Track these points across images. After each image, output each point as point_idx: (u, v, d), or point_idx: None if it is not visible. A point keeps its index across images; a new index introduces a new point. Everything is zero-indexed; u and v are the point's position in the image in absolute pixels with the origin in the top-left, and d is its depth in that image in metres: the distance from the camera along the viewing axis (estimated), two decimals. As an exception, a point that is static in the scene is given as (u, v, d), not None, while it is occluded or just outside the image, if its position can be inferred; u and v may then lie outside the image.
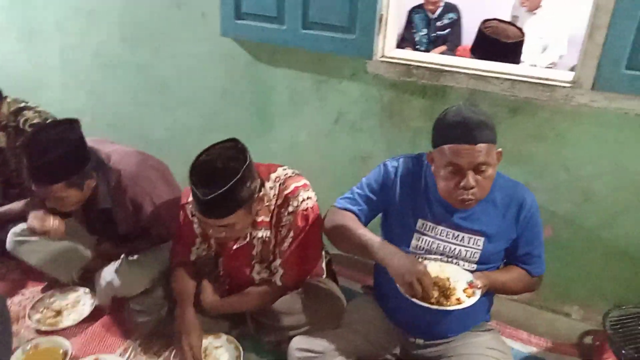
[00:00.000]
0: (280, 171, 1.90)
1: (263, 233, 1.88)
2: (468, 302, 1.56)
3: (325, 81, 2.29)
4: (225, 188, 1.62)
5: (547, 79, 1.90)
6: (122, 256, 2.17)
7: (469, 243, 1.68)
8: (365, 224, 1.76)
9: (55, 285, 2.36)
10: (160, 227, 2.16)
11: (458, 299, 1.58)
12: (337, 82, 2.27)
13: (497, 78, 1.96)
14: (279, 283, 1.94)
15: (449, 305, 1.55)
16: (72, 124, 1.93)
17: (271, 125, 2.50)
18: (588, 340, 2.09)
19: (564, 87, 1.86)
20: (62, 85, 3.03)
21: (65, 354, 1.98)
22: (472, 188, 1.51)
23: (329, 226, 1.78)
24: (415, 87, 2.12)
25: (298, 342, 1.82)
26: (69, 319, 2.18)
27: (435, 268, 1.64)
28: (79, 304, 2.27)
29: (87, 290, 2.31)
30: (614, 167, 1.90)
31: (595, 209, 1.98)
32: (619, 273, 2.02)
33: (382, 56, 2.14)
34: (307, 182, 1.91)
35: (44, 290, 2.36)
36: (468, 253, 1.68)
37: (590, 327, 2.12)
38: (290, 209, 1.84)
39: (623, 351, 1.69)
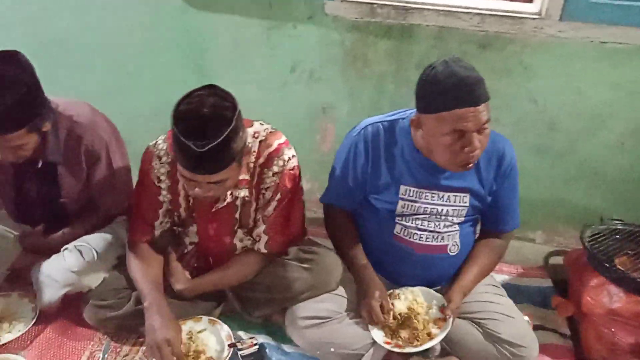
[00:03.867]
0: (257, 126, 1.74)
1: (244, 193, 1.72)
2: (439, 335, 1.65)
3: (277, 27, 2.14)
4: (221, 138, 1.43)
5: (516, 12, 1.94)
6: (69, 244, 1.89)
7: (455, 201, 1.72)
8: (353, 207, 1.85)
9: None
10: (112, 196, 1.97)
11: (429, 334, 1.66)
12: (290, 27, 2.13)
13: (467, 13, 1.97)
14: (263, 250, 1.81)
15: (421, 345, 1.64)
16: (18, 58, 1.65)
17: (212, 81, 2.25)
18: (554, 261, 2.26)
19: (533, 19, 1.92)
20: None
21: (22, 372, 1.67)
22: (476, 150, 1.51)
23: (331, 232, 1.91)
24: (380, 27, 2.06)
25: (300, 311, 1.77)
26: (11, 331, 1.83)
27: (407, 296, 1.74)
28: (15, 311, 1.91)
29: (21, 293, 1.95)
30: (576, 96, 2.02)
31: (559, 137, 2.11)
32: (579, 196, 2.19)
33: (342, -5, 2.03)
34: (287, 139, 1.76)
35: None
36: (455, 211, 1.73)
37: (553, 249, 2.29)
38: (276, 169, 1.70)
39: (606, 265, 1.83)
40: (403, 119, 1.68)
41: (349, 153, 1.73)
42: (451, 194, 1.69)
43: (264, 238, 1.79)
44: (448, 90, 1.45)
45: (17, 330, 1.84)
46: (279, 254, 1.84)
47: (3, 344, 1.79)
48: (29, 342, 1.84)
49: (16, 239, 2.05)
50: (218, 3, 2.15)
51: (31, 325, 1.85)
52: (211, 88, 1.52)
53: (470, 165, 1.55)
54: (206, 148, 1.42)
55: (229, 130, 1.44)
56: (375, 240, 1.81)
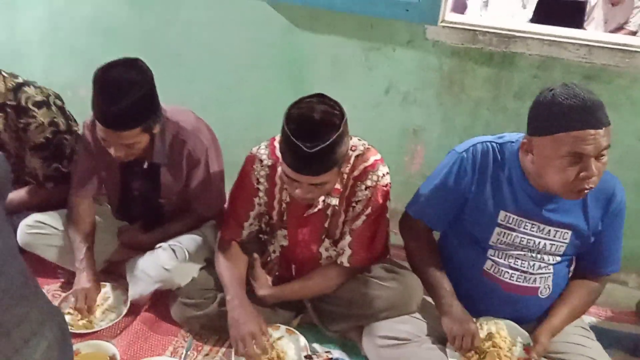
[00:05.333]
0: (355, 140, 1.78)
1: (335, 201, 1.76)
2: None
3: (376, 49, 2.19)
4: (329, 141, 1.49)
5: (627, 45, 1.87)
6: (163, 243, 2.00)
7: (555, 236, 1.65)
8: (442, 227, 1.83)
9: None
10: (206, 200, 2.07)
11: None
12: (389, 49, 2.17)
13: (573, 44, 1.92)
14: (346, 264, 1.83)
15: None
16: (139, 64, 1.79)
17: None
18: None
19: (645, 53, 1.85)
20: (48, 56, 2.73)
21: (112, 359, 1.77)
22: (593, 176, 1.44)
23: (406, 243, 1.87)
24: (480, 54, 2.06)
25: (379, 329, 1.77)
26: (104, 320, 1.95)
27: (491, 327, 1.70)
28: (108, 301, 2.03)
29: (115, 285, 2.08)
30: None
31: (664, 178, 2.00)
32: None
33: (443, 21, 2.04)
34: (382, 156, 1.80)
35: (64, 289, 2.11)
36: (553, 247, 1.67)
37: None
38: (369, 183, 1.73)
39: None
40: (512, 142, 1.65)
41: (453, 168, 1.70)
42: (552, 228, 1.63)
43: (348, 252, 1.81)
44: (569, 111, 1.40)
45: (109, 319, 1.96)
46: (361, 269, 1.86)
47: (96, 331, 1.91)
48: (119, 331, 1.95)
49: (115, 234, 2.20)
50: (321, 24, 2.23)
51: (123, 315, 1.97)
52: (320, 97, 1.59)
53: (586, 192, 1.48)
54: (315, 149, 1.47)
55: (336, 135, 1.50)
56: (461, 273, 1.77)
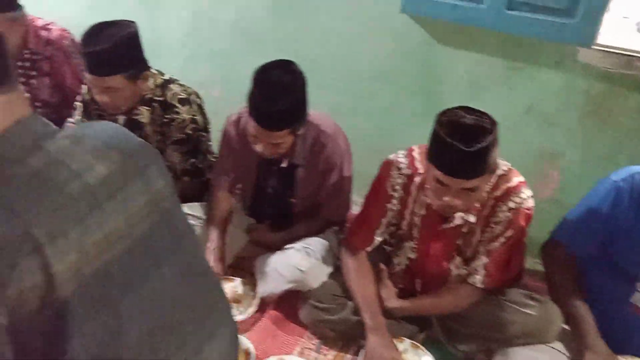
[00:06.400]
0: (499, 160, 1.75)
1: (473, 219, 1.75)
2: None
3: (520, 68, 2.16)
4: (485, 143, 1.50)
5: None
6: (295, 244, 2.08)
7: None
8: (587, 255, 1.77)
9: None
10: (336, 204, 2.13)
11: None
12: (534, 69, 2.14)
13: None
14: (479, 285, 1.82)
15: None
16: (293, 67, 1.88)
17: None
18: None
19: None
20: (187, 55, 2.88)
21: (247, 353, 1.85)
22: None
23: (549, 270, 1.84)
24: (635, 81, 1.98)
25: (516, 356, 1.76)
26: (234, 313, 2.03)
27: None
28: (240, 296, 2.12)
29: (244, 280, 2.16)
30: None
31: None
32: None
33: (597, 44, 1.99)
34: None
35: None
36: None
37: None
38: (512, 204, 1.71)
39: None
40: None
41: (609, 196, 1.67)
42: None
43: (482, 272, 1.80)
44: None
45: (240, 313, 2.03)
46: (494, 291, 1.85)
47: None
48: (249, 326, 2.03)
49: (244, 230, 2.29)
50: (463, 40, 2.23)
51: (254, 310, 2.05)
52: (465, 107, 1.60)
53: None
54: (471, 149, 1.49)
55: (491, 137, 1.51)
56: (602, 305, 1.73)
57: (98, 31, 1.97)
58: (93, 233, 0.93)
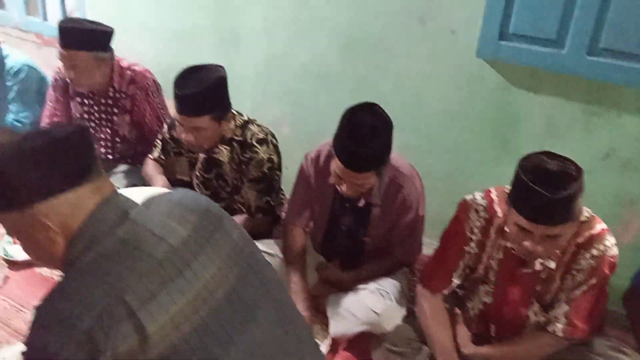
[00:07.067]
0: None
1: (553, 265, 1.72)
2: None
3: (598, 113, 2.15)
4: (571, 190, 1.48)
5: None
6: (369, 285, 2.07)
7: None
8: None
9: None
10: (408, 245, 2.14)
11: None
12: (614, 114, 2.12)
13: None
14: (560, 334, 1.77)
15: None
16: (379, 108, 1.91)
17: (517, 154, 2.33)
18: None
19: None
20: (259, 93, 2.99)
21: (321, 393, 1.85)
22: None
23: (635, 319, 1.78)
24: None
25: None
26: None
27: None
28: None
29: (314, 319, 2.18)
30: None
31: None
32: None
33: (680, 90, 1.97)
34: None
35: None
36: None
37: None
38: (595, 252, 1.68)
39: None
40: None
41: None
42: None
43: (563, 321, 1.75)
44: None
45: (315, 352, 2.05)
46: (575, 341, 1.80)
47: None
48: (319, 365, 2.04)
49: (314, 268, 2.32)
50: (541, 84, 2.24)
51: (326, 351, 2.06)
52: (548, 153, 1.59)
53: None
54: (557, 196, 1.47)
55: (576, 184, 1.49)
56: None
57: (190, 74, 2.09)
58: (184, 292, 1.00)
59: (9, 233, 1.09)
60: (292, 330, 1.21)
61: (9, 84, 3.05)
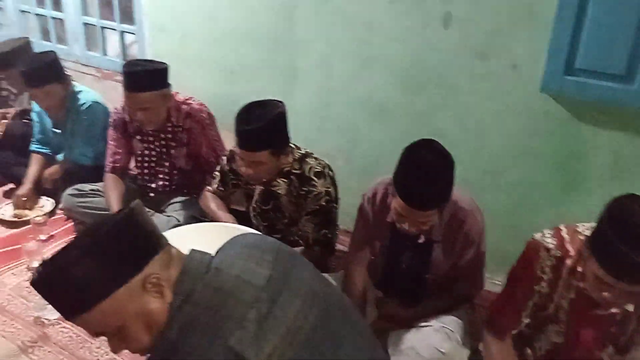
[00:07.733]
0: None
1: (631, 308, 1.65)
2: None
3: (671, 149, 2.08)
4: None
5: None
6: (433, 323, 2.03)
7: None
8: None
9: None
10: (471, 281, 2.10)
11: None
12: (687, 150, 2.05)
13: None
14: None
15: None
16: (439, 145, 1.89)
17: (583, 189, 2.30)
18: None
19: None
20: (316, 127, 3.02)
21: None
22: None
23: None
24: None
25: None
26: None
27: None
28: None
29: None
30: None
31: None
32: None
33: None
34: None
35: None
36: None
37: None
38: None
39: None
40: None
41: None
42: None
43: (641, 365, 1.70)
44: None
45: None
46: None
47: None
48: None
49: (372, 304, 2.29)
50: (607, 119, 2.21)
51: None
52: (635, 197, 1.52)
53: None
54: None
55: None
56: None
57: (251, 110, 2.14)
58: (277, 328, 1.06)
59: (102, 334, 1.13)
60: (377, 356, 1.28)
61: (78, 118, 3.16)
